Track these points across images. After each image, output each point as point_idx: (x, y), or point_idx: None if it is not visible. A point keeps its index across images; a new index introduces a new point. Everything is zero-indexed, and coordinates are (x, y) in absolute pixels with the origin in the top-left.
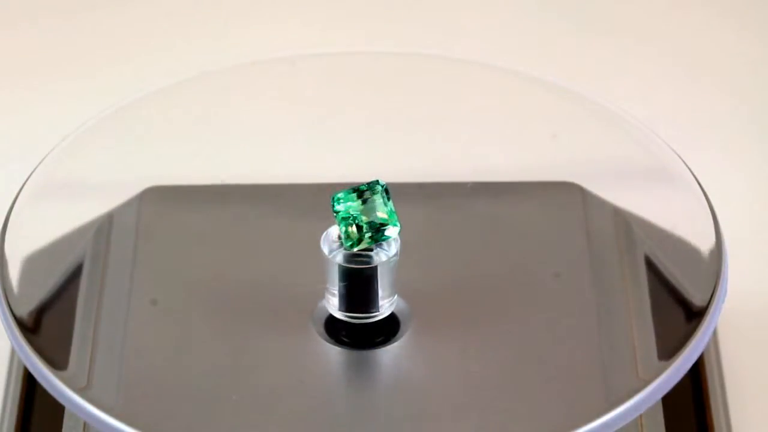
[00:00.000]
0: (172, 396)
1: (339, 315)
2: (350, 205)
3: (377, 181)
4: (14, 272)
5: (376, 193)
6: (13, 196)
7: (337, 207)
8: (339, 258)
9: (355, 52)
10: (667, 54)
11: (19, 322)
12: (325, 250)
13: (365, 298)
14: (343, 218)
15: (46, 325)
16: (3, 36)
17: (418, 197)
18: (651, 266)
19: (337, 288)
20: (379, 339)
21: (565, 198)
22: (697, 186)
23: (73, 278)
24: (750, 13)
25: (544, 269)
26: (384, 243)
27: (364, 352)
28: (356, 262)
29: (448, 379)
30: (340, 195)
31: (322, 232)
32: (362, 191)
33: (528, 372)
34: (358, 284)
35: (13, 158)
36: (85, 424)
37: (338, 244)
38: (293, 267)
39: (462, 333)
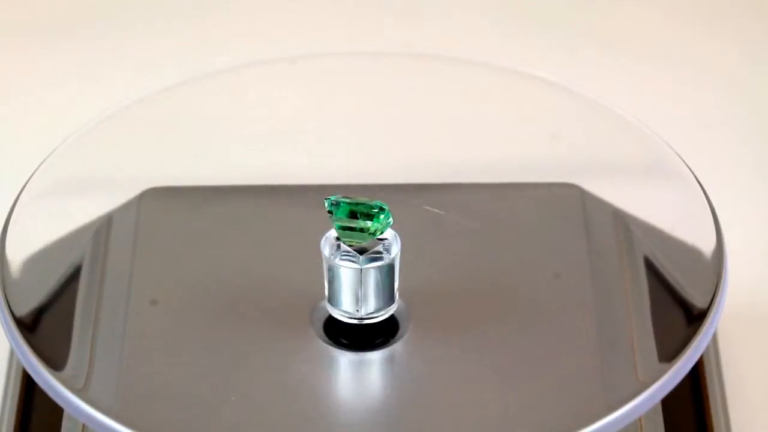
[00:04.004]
0: (170, 397)
1: (338, 316)
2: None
3: (330, 201)
4: (14, 272)
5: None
6: (14, 197)
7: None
8: (339, 260)
9: (355, 52)
10: (667, 53)
11: (19, 323)
12: (326, 252)
13: (366, 299)
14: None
15: (45, 325)
16: (3, 36)
17: (417, 198)
18: (651, 267)
19: (337, 289)
20: (379, 340)
21: (565, 198)
22: (698, 186)
23: (72, 279)
24: (751, 12)
25: (544, 269)
26: (385, 244)
27: (364, 354)
28: (357, 264)
29: (447, 380)
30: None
31: (322, 233)
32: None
33: (528, 373)
34: (359, 286)
35: (14, 159)
36: (84, 424)
37: (338, 245)
38: (293, 267)
39: (461, 334)
